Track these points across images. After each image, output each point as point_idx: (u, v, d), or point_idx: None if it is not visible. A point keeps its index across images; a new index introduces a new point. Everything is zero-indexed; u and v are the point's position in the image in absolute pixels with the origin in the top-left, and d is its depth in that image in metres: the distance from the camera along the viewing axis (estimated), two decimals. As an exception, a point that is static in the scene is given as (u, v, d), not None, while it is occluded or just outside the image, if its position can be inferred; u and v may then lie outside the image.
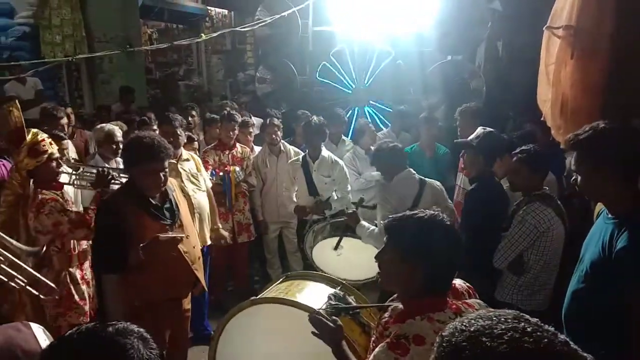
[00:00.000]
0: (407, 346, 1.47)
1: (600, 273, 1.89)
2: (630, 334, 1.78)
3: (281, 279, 2.56)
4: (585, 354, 0.82)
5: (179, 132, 3.73)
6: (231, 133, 4.49)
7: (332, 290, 2.25)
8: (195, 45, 11.72)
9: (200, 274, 2.90)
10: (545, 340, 0.80)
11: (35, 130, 2.97)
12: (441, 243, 1.56)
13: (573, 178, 2.04)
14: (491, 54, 6.93)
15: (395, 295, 1.76)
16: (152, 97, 9.93)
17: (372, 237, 3.11)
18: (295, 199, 4.28)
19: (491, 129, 3.27)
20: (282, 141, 4.69)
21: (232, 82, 11.66)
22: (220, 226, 4.16)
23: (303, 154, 4.32)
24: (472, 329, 0.84)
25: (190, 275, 2.82)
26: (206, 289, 3.27)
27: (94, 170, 3.14)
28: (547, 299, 2.93)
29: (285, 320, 2.21)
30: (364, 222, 3.21)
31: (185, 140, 4.00)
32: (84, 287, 3.11)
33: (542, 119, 2.93)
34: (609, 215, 1.93)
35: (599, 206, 2.23)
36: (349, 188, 4.25)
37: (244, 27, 5.56)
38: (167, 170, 2.68)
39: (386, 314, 1.71)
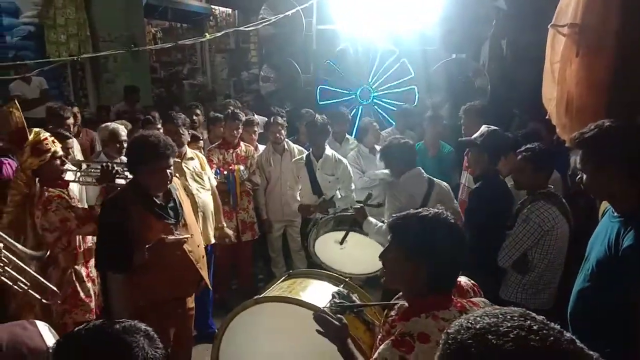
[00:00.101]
0: (412, 344, 1.47)
1: (606, 271, 1.88)
2: (636, 333, 1.77)
3: (284, 277, 2.57)
4: (591, 352, 0.82)
5: (181, 131, 3.73)
6: (235, 132, 4.50)
7: (335, 289, 2.25)
8: (199, 44, 11.73)
9: (204, 273, 2.90)
10: (552, 338, 0.80)
11: (37, 129, 2.98)
12: (445, 241, 1.57)
13: (578, 176, 2.04)
14: (495, 53, 6.90)
15: (400, 294, 1.76)
16: (156, 96, 9.94)
17: (379, 234, 3.11)
18: (299, 198, 4.28)
19: (495, 127, 3.26)
20: (286, 140, 4.70)
21: (236, 81, 11.68)
22: (225, 225, 4.17)
23: (307, 152, 4.32)
24: (478, 327, 0.84)
25: (195, 274, 2.83)
26: (210, 287, 3.28)
27: (99, 167, 3.14)
28: (552, 297, 2.92)
29: (288, 319, 2.21)
30: (371, 218, 3.20)
31: (189, 139, 4.00)
32: (89, 284, 3.13)
33: (547, 117, 2.91)
34: (615, 214, 1.92)
35: (604, 205, 2.22)
36: (353, 187, 4.24)
37: (248, 27, 5.57)
38: (172, 167, 2.69)
39: (393, 312, 1.71)
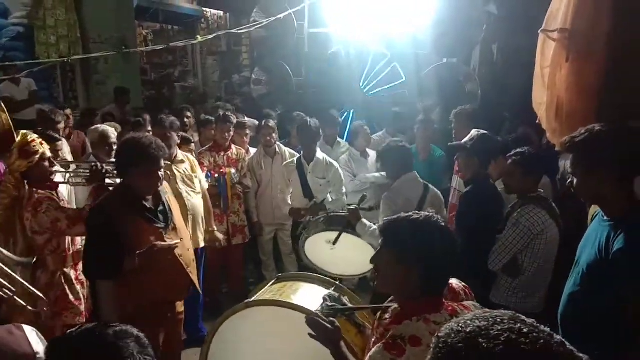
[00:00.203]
0: (403, 347, 1.47)
1: (597, 275, 1.89)
2: (626, 335, 1.78)
3: (273, 281, 2.55)
4: (581, 355, 0.82)
5: (169, 135, 3.70)
6: (227, 134, 4.48)
7: (326, 292, 2.25)
8: (190, 46, 11.70)
9: (194, 277, 2.88)
10: (542, 341, 0.80)
11: (24, 131, 2.95)
12: (436, 245, 1.57)
13: (569, 180, 2.05)
14: (486, 57, 6.96)
15: (392, 297, 1.75)
16: (147, 99, 9.90)
17: (373, 236, 3.11)
18: (290, 201, 4.27)
19: (485, 131, 3.28)
20: (278, 143, 4.69)
21: (228, 84, 11.67)
22: (215, 228, 4.15)
23: (298, 156, 4.32)
24: (468, 330, 0.83)
25: (185, 278, 2.80)
26: (200, 291, 3.25)
27: (88, 167, 3.11)
28: (542, 301, 2.93)
29: (279, 323, 2.20)
30: (365, 220, 3.20)
31: (179, 142, 3.97)
32: (78, 287, 3.10)
33: (537, 121, 2.93)
34: (605, 218, 1.93)
35: (593, 209, 2.23)
36: (344, 190, 4.24)
37: (240, 29, 5.55)
38: (163, 169, 2.67)
39: (387, 315, 1.70)
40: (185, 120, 5.49)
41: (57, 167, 3.11)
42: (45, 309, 2.85)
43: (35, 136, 2.94)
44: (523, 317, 0.85)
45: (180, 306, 2.92)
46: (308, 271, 3.01)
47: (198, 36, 5.32)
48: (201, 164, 4.29)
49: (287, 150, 4.68)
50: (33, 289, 2.56)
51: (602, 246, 1.87)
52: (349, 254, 3.27)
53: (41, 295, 2.61)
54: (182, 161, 3.88)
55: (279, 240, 4.79)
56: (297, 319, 2.00)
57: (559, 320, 2.06)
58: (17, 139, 2.87)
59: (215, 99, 9.58)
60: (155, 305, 2.66)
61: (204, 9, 11.92)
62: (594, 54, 2.51)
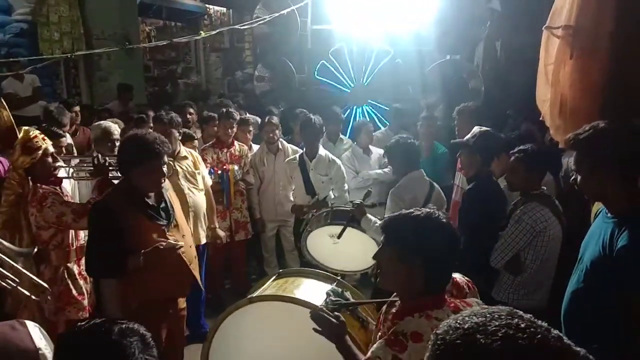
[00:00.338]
0: (405, 343, 1.48)
1: (601, 272, 1.88)
2: (629, 332, 1.78)
3: (274, 277, 2.56)
4: (578, 349, 0.82)
5: (169, 131, 3.70)
6: (229, 131, 4.48)
7: (328, 287, 2.26)
8: (193, 43, 11.71)
9: (197, 273, 2.89)
10: (539, 335, 0.80)
11: (26, 127, 2.95)
12: (437, 241, 1.56)
13: (572, 177, 2.04)
14: (489, 54, 6.94)
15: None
16: (150, 95, 9.90)
17: (377, 232, 3.11)
18: (292, 198, 4.27)
19: (487, 128, 3.27)
20: (281, 139, 4.69)
21: (231, 81, 11.67)
22: (217, 225, 4.15)
23: (301, 152, 4.32)
24: (466, 327, 0.84)
25: (188, 275, 2.81)
26: (202, 287, 3.25)
27: (92, 161, 3.11)
28: (545, 298, 2.92)
29: (282, 318, 2.21)
30: (370, 215, 3.20)
31: (180, 138, 3.97)
32: (81, 282, 3.11)
33: (541, 118, 2.93)
34: (609, 215, 1.93)
35: (596, 206, 2.23)
36: (346, 187, 4.25)
37: (243, 25, 5.55)
38: (166, 165, 2.67)
39: (393, 309, 1.71)
40: (188, 116, 5.49)
41: (61, 163, 3.12)
42: (49, 297, 2.86)
43: (37, 132, 2.95)
44: (520, 313, 0.86)
45: (182, 302, 2.92)
46: (309, 267, 3.02)
47: (201, 32, 5.32)
48: (204, 160, 4.29)
49: (289, 147, 4.68)
50: (37, 279, 2.57)
51: (605, 243, 1.87)
52: (351, 249, 3.28)
53: (45, 285, 2.62)
54: (185, 157, 3.88)
55: (282, 236, 4.80)
56: (300, 314, 2.01)
57: (562, 317, 2.05)
58: (20, 136, 2.88)
59: (218, 96, 9.58)
60: (157, 302, 2.67)
61: (207, 5, 11.91)
62: (598, 51, 2.51)
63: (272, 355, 2.27)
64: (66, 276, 3.04)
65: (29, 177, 2.91)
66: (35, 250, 2.76)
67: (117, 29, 8.07)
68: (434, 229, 1.57)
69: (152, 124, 4.23)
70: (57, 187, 3.03)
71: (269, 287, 2.43)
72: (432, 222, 1.59)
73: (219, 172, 4.37)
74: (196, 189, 3.87)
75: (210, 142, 4.62)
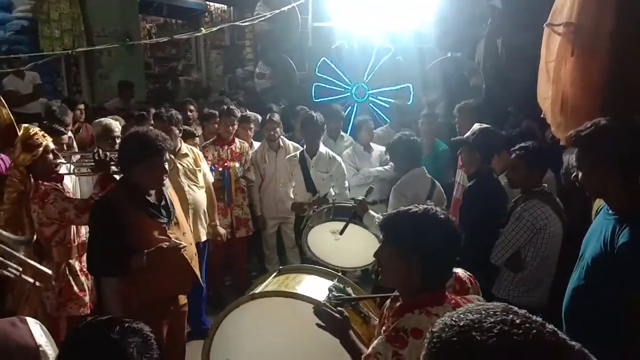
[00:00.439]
0: (406, 339, 1.49)
1: (602, 269, 1.88)
2: (630, 329, 1.78)
3: (275, 274, 2.55)
4: (573, 343, 0.83)
5: (169, 129, 3.69)
6: (230, 128, 4.48)
7: (329, 283, 2.27)
8: (194, 40, 11.69)
9: (197, 271, 2.89)
10: (534, 331, 0.81)
11: (26, 125, 2.95)
12: (435, 237, 1.57)
13: (574, 174, 2.04)
14: (490, 51, 6.92)
15: None
16: (151, 92, 9.90)
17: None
18: (292, 195, 4.28)
19: (487, 125, 3.27)
20: (282, 137, 4.69)
21: (231, 78, 11.65)
22: (218, 223, 4.16)
23: (301, 149, 4.32)
24: (461, 324, 0.84)
25: (189, 272, 2.81)
26: (202, 284, 3.26)
27: (93, 157, 3.11)
28: (545, 295, 2.93)
29: (283, 314, 2.21)
30: (372, 212, 3.20)
31: (181, 135, 3.97)
32: (82, 278, 3.12)
33: (542, 116, 2.93)
34: (610, 212, 1.93)
35: (598, 203, 2.23)
36: (346, 184, 4.25)
37: (244, 22, 5.55)
38: (167, 162, 2.67)
39: (398, 303, 1.71)
40: (189, 113, 5.49)
41: (61, 159, 3.12)
42: (54, 283, 2.87)
43: (37, 129, 2.95)
44: (515, 309, 0.86)
45: (182, 299, 2.93)
46: (310, 264, 3.02)
47: (202, 28, 5.32)
48: (205, 157, 4.30)
49: (291, 144, 4.68)
50: (39, 266, 2.58)
51: (607, 240, 1.87)
52: (352, 246, 3.28)
53: (49, 271, 2.63)
54: (186, 155, 3.88)
55: (283, 233, 4.80)
56: (303, 309, 2.01)
57: (563, 315, 2.06)
58: (20, 133, 2.88)
59: (219, 93, 9.57)
60: (159, 300, 2.67)
61: (208, 2, 11.88)
62: (598, 50, 2.51)
63: (274, 351, 2.27)
64: (68, 273, 3.05)
65: (30, 175, 2.91)
66: (35, 238, 2.76)
67: (118, 26, 8.06)
68: (431, 225, 1.58)
69: (152, 121, 4.23)
70: (59, 184, 3.04)
71: (270, 283, 2.43)
72: (430, 219, 1.59)
73: (220, 169, 4.38)
74: (196, 186, 3.88)
75: (211, 140, 4.61)
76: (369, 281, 3.85)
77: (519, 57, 5.78)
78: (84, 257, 3.15)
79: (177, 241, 2.63)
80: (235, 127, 4.54)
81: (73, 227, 3.06)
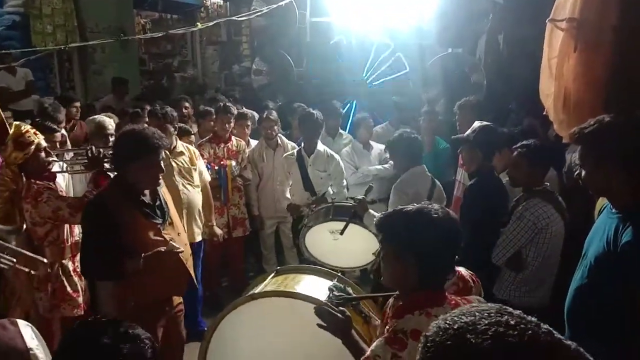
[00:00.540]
0: (405, 341, 1.49)
1: (605, 268, 1.88)
2: (633, 328, 1.76)
3: (272, 274, 2.52)
4: (569, 342, 0.82)
5: (164, 126, 3.62)
6: (227, 125, 4.42)
7: (328, 283, 2.25)
8: (189, 36, 11.61)
9: (192, 271, 2.85)
10: (529, 332, 0.80)
11: (17, 122, 2.92)
12: (429, 235, 1.56)
13: (577, 172, 2.02)
14: (492, 47, 6.90)
15: None
16: (145, 89, 9.81)
17: None
18: (289, 194, 4.22)
19: (488, 123, 3.24)
20: (280, 135, 4.64)
21: (228, 74, 11.57)
22: (215, 223, 4.10)
23: (298, 148, 4.27)
24: (455, 327, 0.83)
25: (185, 273, 2.78)
26: (197, 286, 3.21)
27: (85, 154, 3.06)
28: (547, 295, 2.91)
29: (282, 315, 2.19)
30: (372, 211, 3.18)
31: (176, 133, 3.91)
32: (76, 279, 3.07)
33: (544, 113, 2.90)
34: (613, 210, 1.92)
35: (600, 201, 2.21)
36: (345, 183, 4.20)
37: (240, 17, 5.49)
38: (163, 160, 2.62)
39: (400, 303, 1.70)
40: (184, 111, 5.42)
41: (54, 157, 3.07)
42: (50, 271, 2.86)
43: (28, 127, 2.92)
44: (510, 309, 0.86)
45: (177, 300, 2.89)
46: (308, 264, 2.99)
47: (198, 23, 5.25)
48: (201, 155, 4.23)
49: (289, 143, 4.63)
50: (32, 254, 2.55)
51: (610, 239, 1.86)
52: (351, 245, 3.27)
53: (42, 259, 2.59)
54: (182, 153, 3.81)
55: (281, 233, 4.76)
56: (303, 310, 2.00)
57: (566, 314, 2.04)
58: (11, 131, 2.83)
59: (215, 90, 9.50)
60: (155, 302, 2.63)
61: (204, -3, 11.79)
62: (601, 45, 2.50)
63: (273, 352, 2.25)
64: (61, 273, 3.00)
65: (23, 173, 2.88)
66: (25, 227, 2.72)
67: (112, 21, 7.97)
68: (425, 224, 1.57)
69: (146, 118, 4.16)
70: (51, 183, 2.99)
71: (269, 284, 2.39)
72: (424, 217, 1.58)
73: (216, 167, 4.32)
74: (191, 185, 3.80)
75: (207, 137, 4.55)
76: (368, 281, 3.82)
77: (520, 53, 5.76)
78: (78, 258, 3.10)
79: (175, 244, 2.59)
80: (232, 124, 4.48)
81: (66, 227, 3.02)
